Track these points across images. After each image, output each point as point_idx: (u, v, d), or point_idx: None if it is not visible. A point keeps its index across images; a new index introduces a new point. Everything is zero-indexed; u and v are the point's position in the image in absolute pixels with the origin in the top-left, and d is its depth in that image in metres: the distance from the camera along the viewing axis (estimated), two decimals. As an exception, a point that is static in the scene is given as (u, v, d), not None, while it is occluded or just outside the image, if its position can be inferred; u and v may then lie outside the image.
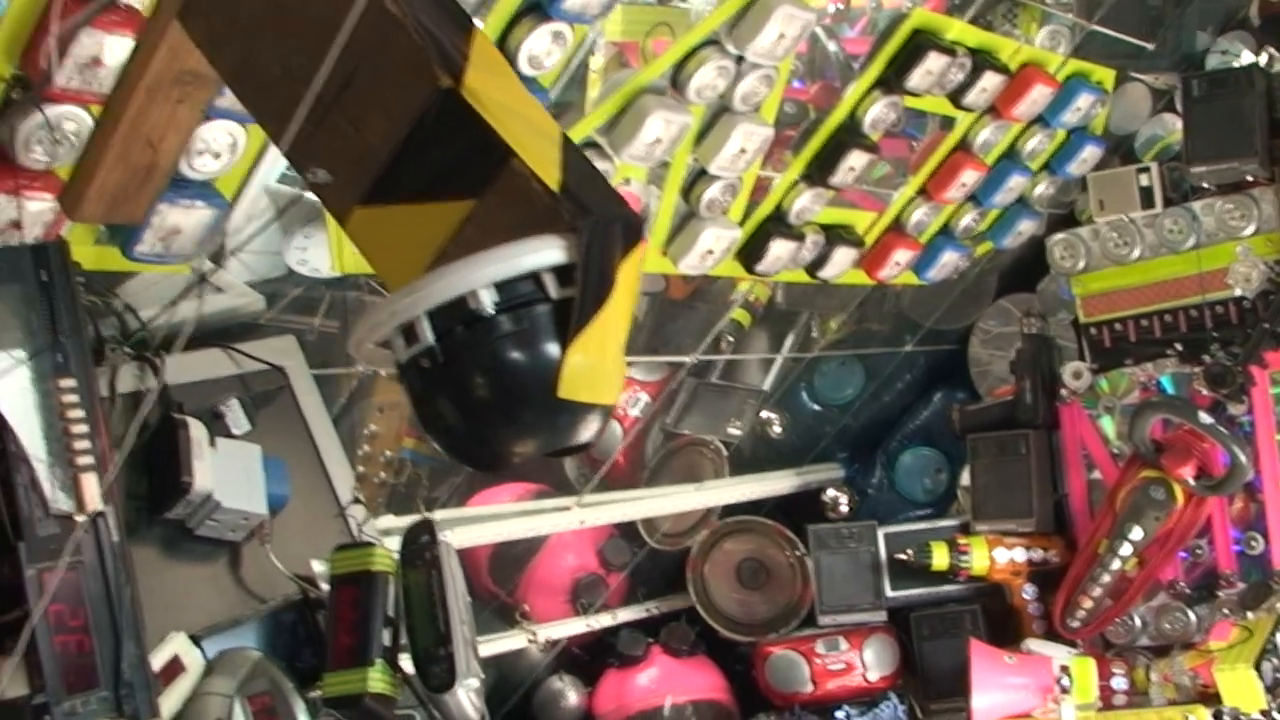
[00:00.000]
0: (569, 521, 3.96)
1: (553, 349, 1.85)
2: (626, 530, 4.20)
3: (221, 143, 2.70)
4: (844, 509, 4.31)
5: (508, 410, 1.88)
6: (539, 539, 4.06)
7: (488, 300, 1.83)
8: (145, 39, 2.24)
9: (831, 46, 3.79)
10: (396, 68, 1.92)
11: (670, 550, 4.23)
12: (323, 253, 3.16)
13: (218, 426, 3.00)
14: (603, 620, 4.16)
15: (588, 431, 1.93)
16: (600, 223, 1.84)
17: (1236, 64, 3.75)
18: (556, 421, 1.90)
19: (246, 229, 2.94)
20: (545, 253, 1.84)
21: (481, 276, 1.83)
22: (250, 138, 2.74)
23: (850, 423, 4.43)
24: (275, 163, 2.91)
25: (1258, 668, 3.62)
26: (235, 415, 3.05)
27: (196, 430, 2.91)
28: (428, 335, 1.85)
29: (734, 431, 4.23)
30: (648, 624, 4.22)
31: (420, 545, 3.00)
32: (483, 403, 1.87)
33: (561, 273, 1.85)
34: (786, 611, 4.23)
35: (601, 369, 1.87)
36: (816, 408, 4.41)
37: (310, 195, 2.95)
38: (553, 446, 1.95)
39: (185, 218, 2.72)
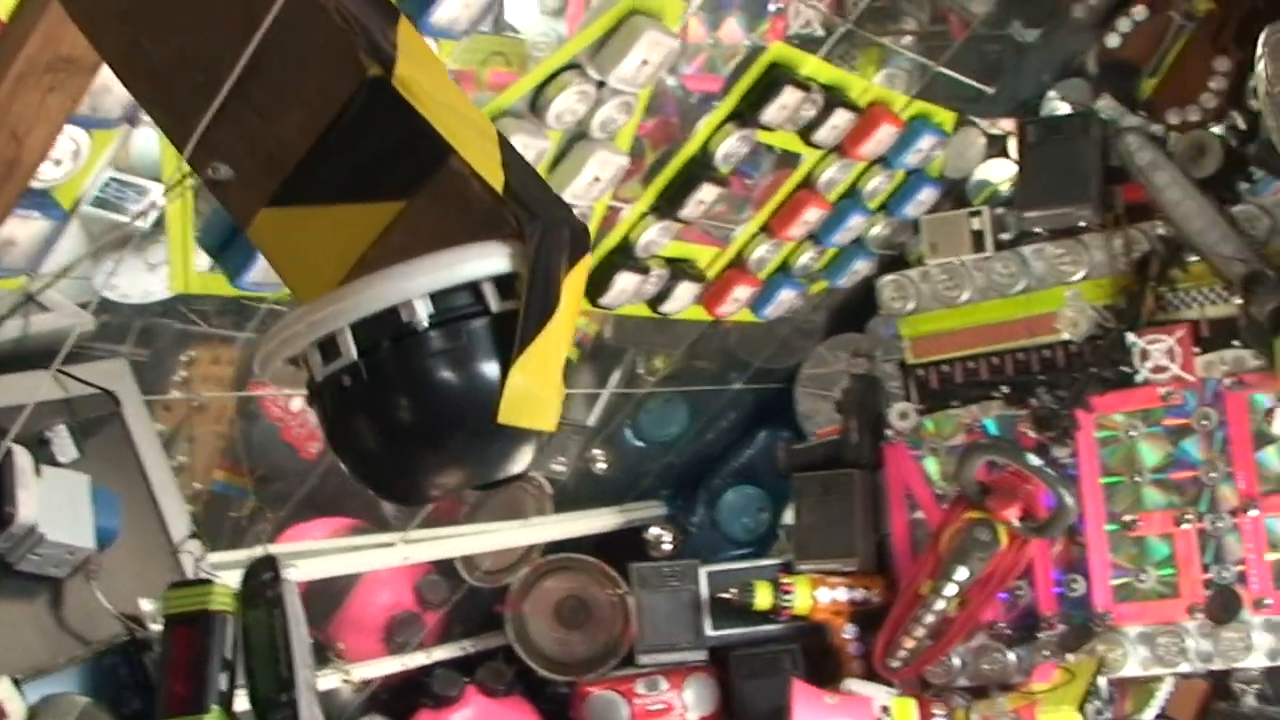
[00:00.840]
0: (392, 558, 3.70)
1: (491, 369, 1.62)
2: (444, 567, 3.97)
3: (64, 148, 2.39)
4: (667, 547, 4.14)
5: (436, 436, 1.63)
6: (353, 576, 3.80)
7: (422, 312, 1.60)
8: (17, 20, 1.93)
9: (671, 81, 3.63)
10: (315, 53, 1.66)
11: (490, 588, 4.02)
12: (135, 278, 2.88)
13: (43, 454, 2.66)
14: (417, 659, 3.89)
15: (520, 462, 1.70)
16: (549, 229, 1.62)
17: (1069, 111, 3.71)
18: (489, 451, 1.67)
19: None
20: (489, 261, 1.61)
21: (417, 286, 1.59)
22: (94, 144, 2.44)
23: (674, 460, 4.28)
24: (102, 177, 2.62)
25: (1081, 710, 3.57)
26: (62, 442, 2.71)
27: (21, 458, 2.57)
28: (351, 350, 1.61)
29: (558, 467, 4.03)
30: (463, 663, 3.97)
31: (262, 583, 2.71)
32: (409, 427, 1.62)
33: (501, 284, 1.63)
34: (606, 651, 4.03)
35: (543, 392, 1.65)
36: (641, 444, 4.23)
37: (123, 219, 2.71)
38: (481, 479, 1.72)
39: (21, 228, 2.41)
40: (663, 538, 4.15)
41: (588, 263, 1.70)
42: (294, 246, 1.74)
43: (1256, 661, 3.51)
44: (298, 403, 3.68)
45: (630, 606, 3.99)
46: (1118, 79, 3.62)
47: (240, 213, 1.75)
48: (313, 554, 3.58)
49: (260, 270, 2.75)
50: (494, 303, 1.62)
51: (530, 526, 3.99)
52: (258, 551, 2.88)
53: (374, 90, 1.65)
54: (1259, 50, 2.55)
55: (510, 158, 1.69)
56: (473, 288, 1.61)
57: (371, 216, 1.67)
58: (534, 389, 1.63)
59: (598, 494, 4.19)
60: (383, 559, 3.70)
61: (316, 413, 1.67)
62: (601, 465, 4.14)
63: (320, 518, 3.84)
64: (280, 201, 1.71)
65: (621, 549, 4.12)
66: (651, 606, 3.99)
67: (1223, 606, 3.54)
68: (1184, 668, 3.60)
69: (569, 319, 1.67)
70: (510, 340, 1.61)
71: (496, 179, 1.61)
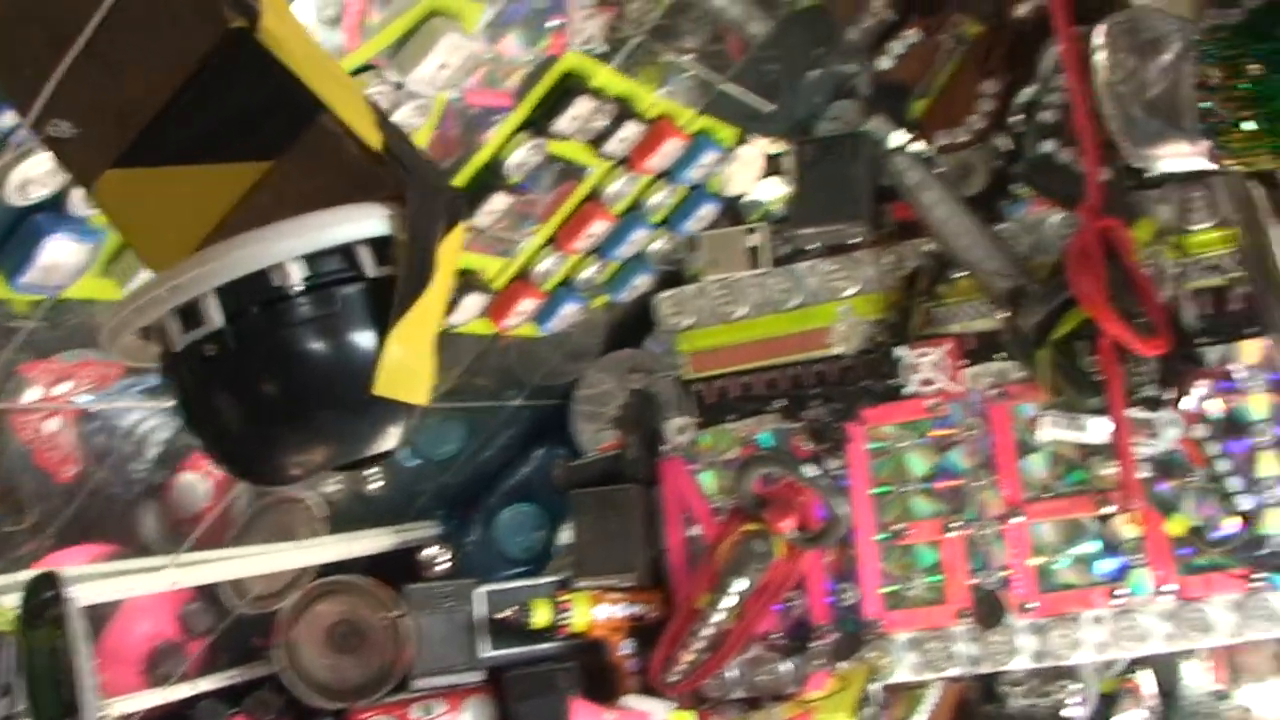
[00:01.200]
0: (162, 582, 3.47)
1: (365, 338, 1.50)
2: (209, 594, 3.75)
3: None
4: (443, 567, 4.01)
5: (305, 408, 1.50)
6: (110, 605, 3.56)
7: (295, 276, 1.47)
8: None
9: (452, 94, 3.52)
10: (170, 3, 1.53)
11: (259, 614, 3.81)
12: None
13: None
14: (181, 691, 3.66)
15: (389, 439, 1.58)
16: (428, 192, 1.51)
17: (842, 131, 3.74)
18: (359, 426, 1.55)
19: None
20: (366, 223, 1.49)
21: (291, 247, 1.46)
22: None
23: (451, 479, 4.14)
24: None
25: (856, 716, 3.59)
26: None
27: None
28: (217, 316, 1.47)
29: (331, 487, 3.85)
30: (231, 693, 3.77)
31: (43, 601, 2.50)
32: (276, 398, 1.49)
33: (375, 249, 1.51)
34: (380, 675, 3.86)
35: (418, 364, 1.54)
36: (416, 463, 4.09)
37: None
38: (347, 456, 1.59)
39: None
40: (437, 558, 4.02)
41: (462, 230, 1.59)
42: (144, 210, 1.58)
43: (1022, 664, 3.58)
44: (54, 423, 3.44)
45: (405, 629, 3.84)
46: (889, 100, 3.67)
47: (82, 173, 1.58)
48: (78, 579, 3.34)
49: (39, 271, 2.54)
50: (369, 268, 1.51)
51: (303, 549, 3.81)
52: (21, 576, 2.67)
53: (236, 44, 1.51)
54: (1099, 42, 2.60)
55: (384, 118, 1.57)
56: (347, 252, 1.50)
57: (233, 177, 1.53)
58: (409, 360, 1.52)
59: (372, 514, 4.02)
60: (151, 583, 3.47)
61: (171, 388, 1.53)
62: (376, 485, 3.98)
63: (79, 544, 3.60)
64: (129, 162, 1.55)
65: (397, 570, 3.96)
66: (426, 628, 3.85)
67: (988, 611, 3.60)
68: (952, 672, 3.64)
69: (444, 288, 1.56)
70: (385, 308, 1.49)
71: (374, 138, 1.50)
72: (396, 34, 2.86)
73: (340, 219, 1.48)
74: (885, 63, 3.64)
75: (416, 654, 3.82)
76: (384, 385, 1.49)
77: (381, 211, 1.49)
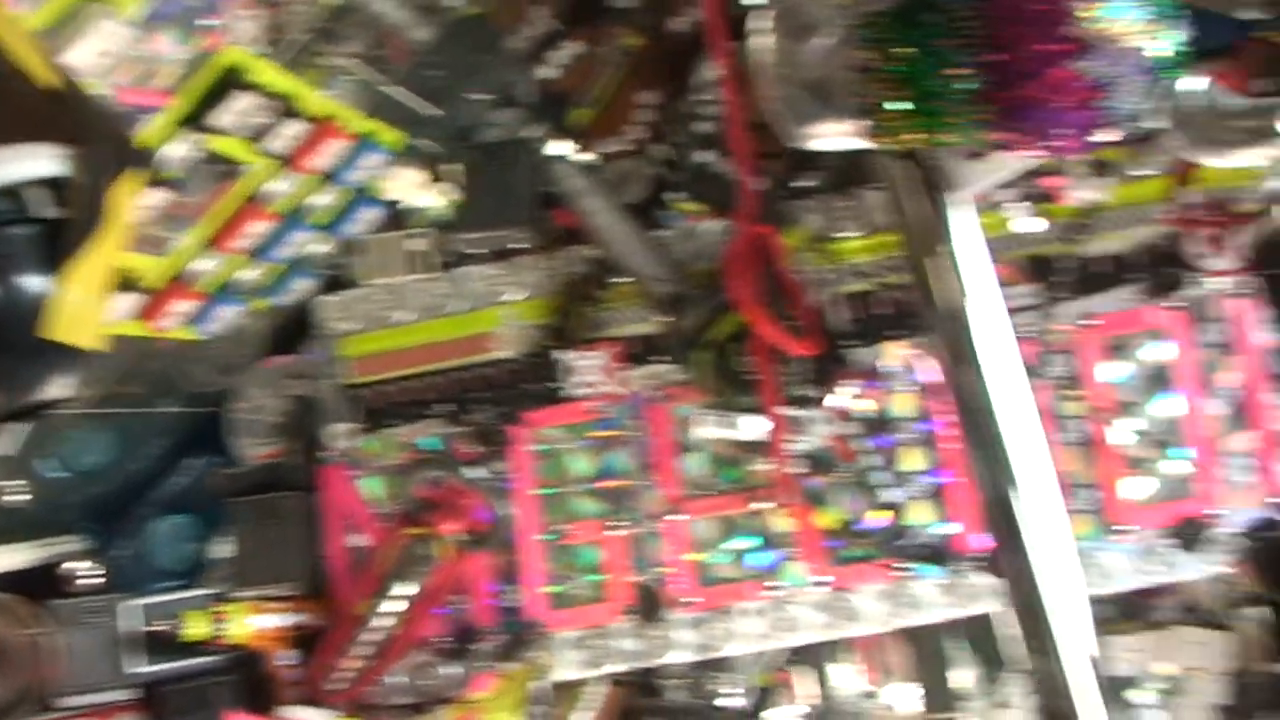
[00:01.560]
0: None
1: (32, 281, 1.47)
2: None
3: None
4: (91, 581, 3.84)
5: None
6: None
7: (-41, 215, 1.43)
8: None
9: (105, 90, 3.42)
10: None
11: (-113, 635, 3.59)
12: None
13: None
14: None
15: (58, 386, 1.55)
16: (103, 135, 1.48)
17: (506, 138, 3.78)
18: (27, 370, 1.51)
19: None
20: (35, 162, 1.46)
21: (-47, 184, 1.42)
22: None
23: (100, 489, 3.96)
24: None
25: (523, 715, 3.63)
26: None
27: None
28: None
29: (-35, 501, 3.68)
30: None
31: None
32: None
33: (53, 191, 1.48)
34: (21, 696, 3.68)
35: (90, 309, 1.51)
36: (62, 474, 3.91)
37: None
38: (13, 403, 1.55)
39: None
40: (83, 572, 3.86)
41: (135, 178, 1.57)
42: None
43: (680, 657, 3.68)
44: None
45: (49, 646, 3.68)
46: (553, 109, 3.74)
47: None
48: None
49: None
50: (39, 210, 1.47)
51: (-62, 565, 3.62)
52: None
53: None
54: (762, 26, 2.71)
55: (56, 61, 1.54)
56: (18, 193, 1.46)
57: (-110, 115, 1.48)
58: (81, 304, 1.49)
59: (12, 527, 3.83)
60: None
61: None
62: (16, 497, 3.80)
63: None
64: None
65: (41, 587, 3.78)
66: (73, 645, 3.70)
67: (647, 607, 3.70)
68: (613, 667, 3.72)
69: (118, 233, 1.54)
70: (58, 252, 1.46)
71: (50, 77, 1.47)
72: (46, 20, 2.76)
73: (6, 157, 1.44)
74: (549, 71, 3.73)
75: (62, 672, 3.67)
76: (54, 328, 1.46)
77: (52, 151, 1.46)
